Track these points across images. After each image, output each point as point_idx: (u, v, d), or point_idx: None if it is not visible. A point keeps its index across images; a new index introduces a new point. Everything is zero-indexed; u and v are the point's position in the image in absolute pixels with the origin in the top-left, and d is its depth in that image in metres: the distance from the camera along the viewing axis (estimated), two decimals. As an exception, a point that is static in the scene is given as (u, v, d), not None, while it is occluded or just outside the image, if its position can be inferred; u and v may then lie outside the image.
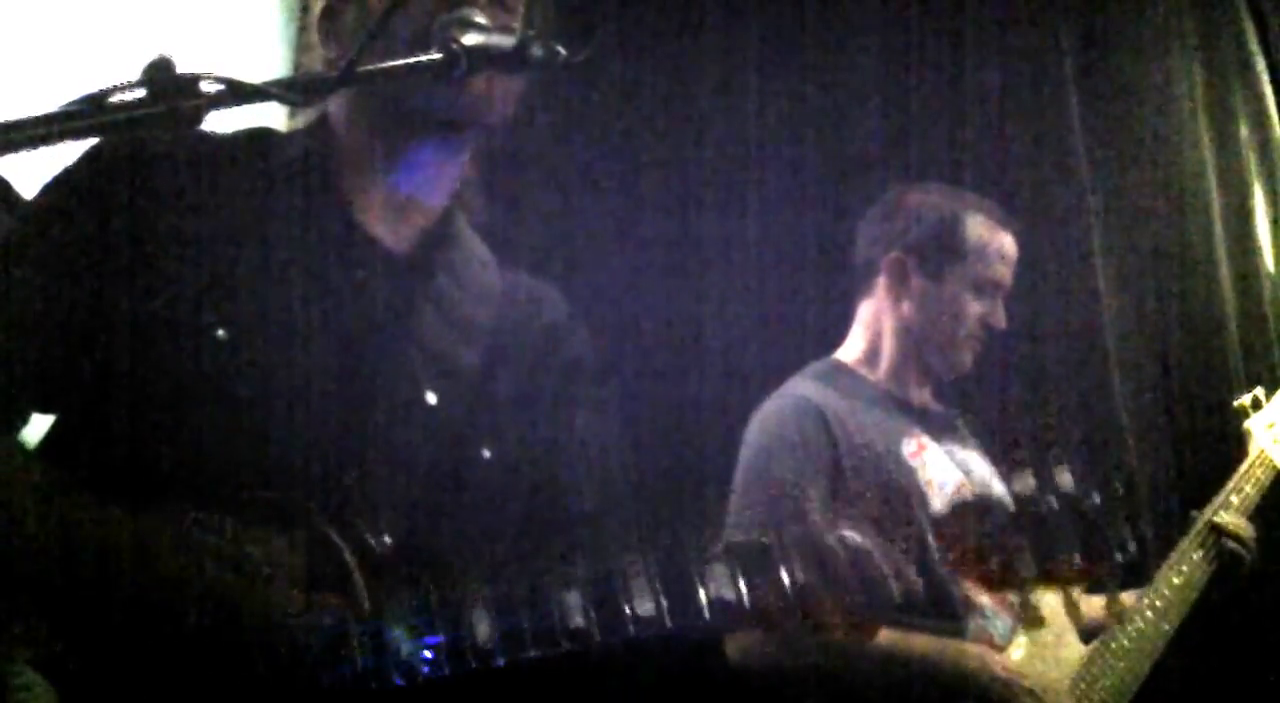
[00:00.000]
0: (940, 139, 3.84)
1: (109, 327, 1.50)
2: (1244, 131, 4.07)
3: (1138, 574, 2.80)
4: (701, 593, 1.44)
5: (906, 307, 2.81)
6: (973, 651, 2.47)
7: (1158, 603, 2.77)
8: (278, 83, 1.26)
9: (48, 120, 1.13)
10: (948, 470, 2.67)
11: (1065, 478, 1.61)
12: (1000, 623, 2.55)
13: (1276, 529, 3.03)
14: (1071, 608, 1.66)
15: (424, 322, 1.64)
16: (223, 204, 1.58)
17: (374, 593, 1.43)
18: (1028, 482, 1.61)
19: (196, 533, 1.40)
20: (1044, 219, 3.79)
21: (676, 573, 1.44)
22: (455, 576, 1.47)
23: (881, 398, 2.76)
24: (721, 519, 2.59)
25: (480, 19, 1.49)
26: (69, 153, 1.53)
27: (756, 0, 3.89)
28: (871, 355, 2.84)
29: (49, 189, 1.58)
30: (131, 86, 1.14)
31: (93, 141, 1.53)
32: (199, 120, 1.17)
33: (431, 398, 1.61)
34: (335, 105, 1.69)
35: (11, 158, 1.12)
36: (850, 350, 2.87)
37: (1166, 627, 2.76)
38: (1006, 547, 1.57)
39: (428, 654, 1.37)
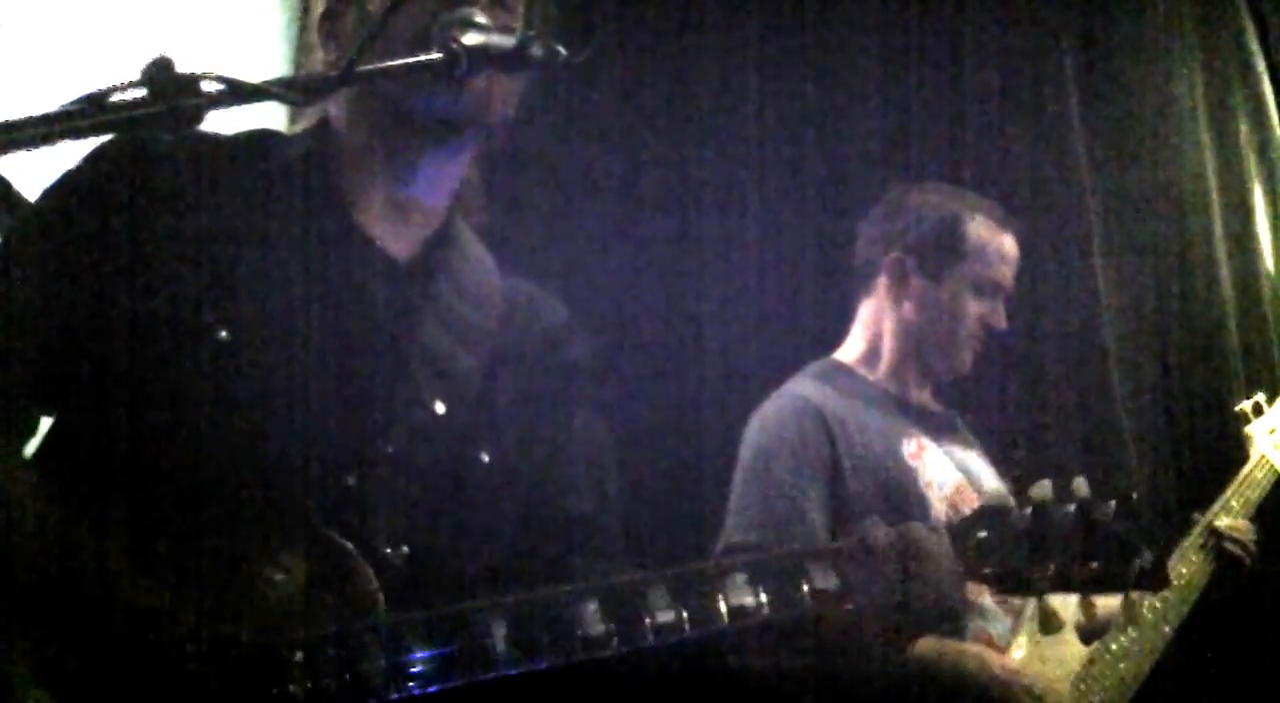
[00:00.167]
0: (940, 139, 3.83)
1: (110, 327, 1.50)
2: (1244, 131, 4.07)
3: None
4: (721, 601, 1.45)
5: (907, 307, 2.81)
6: (972, 651, 2.47)
7: (1158, 605, 2.77)
8: (278, 83, 1.26)
9: (48, 120, 1.13)
10: (947, 471, 2.67)
11: (1080, 485, 1.62)
12: (1000, 624, 2.55)
13: (1276, 532, 3.04)
14: (1089, 612, 1.66)
15: (424, 326, 1.64)
16: (224, 205, 1.58)
17: (390, 603, 1.43)
18: (1044, 489, 1.61)
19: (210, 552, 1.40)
20: (1044, 219, 3.79)
21: (697, 581, 1.45)
22: (466, 583, 1.47)
23: (881, 398, 2.76)
24: (721, 519, 2.59)
25: (480, 19, 1.49)
26: (70, 153, 1.53)
27: (756, 0, 3.89)
28: (871, 355, 2.84)
29: (51, 190, 1.58)
30: (132, 86, 1.14)
31: (94, 142, 1.53)
32: (199, 120, 1.17)
33: (439, 406, 1.61)
34: (336, 106, 1.69)
35: (12, 158, 1.12)
36: (850, 350, 2.87)
37: (1167, 628, 2.76)
38: (1024, 555, 1.57)
39: (444, 664, 1.37)
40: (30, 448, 1.55)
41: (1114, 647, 2.68)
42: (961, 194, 2.98)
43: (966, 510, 2.42)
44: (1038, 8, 4.02)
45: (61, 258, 1.52)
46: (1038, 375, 3.79)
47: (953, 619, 2.49)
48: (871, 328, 2.86)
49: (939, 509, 2.57)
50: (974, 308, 2.79)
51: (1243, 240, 3.97)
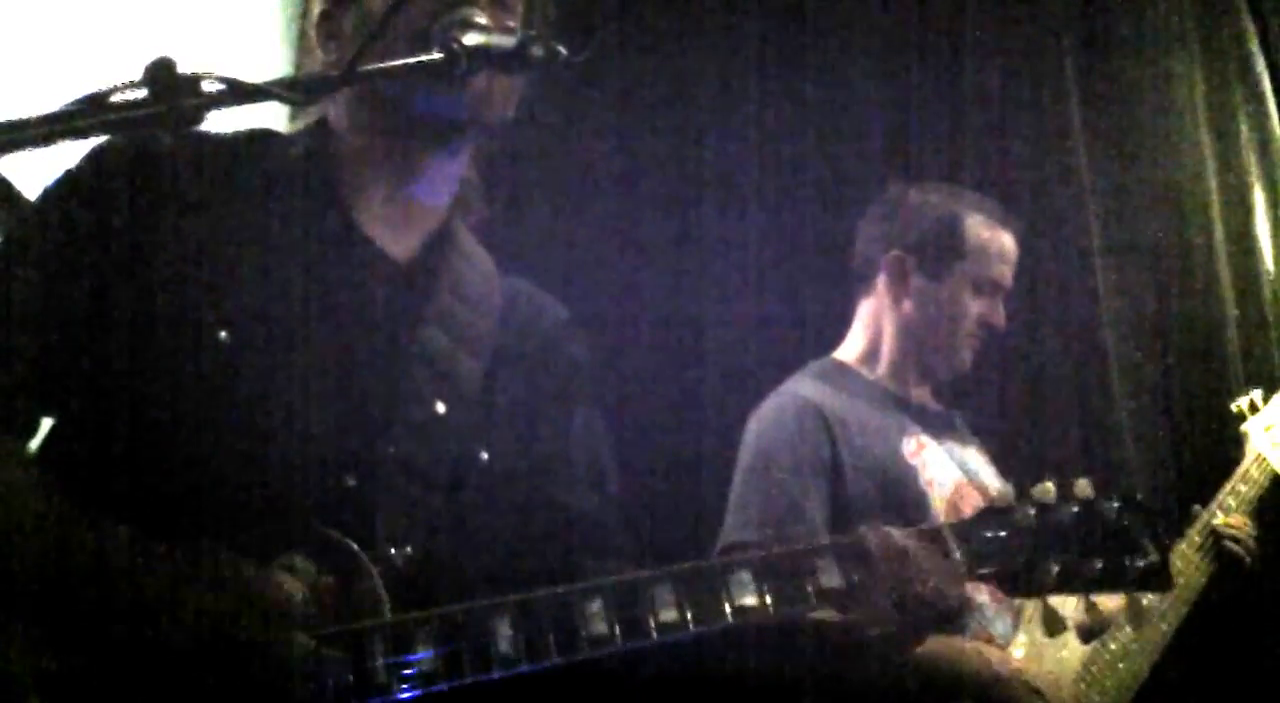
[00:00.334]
0: (940, 139, 3.84)
1: (110, 327, 1.50)
2: (1244, 131, 4.07)
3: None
4: (724, 599, 1.45)
5: (906, 306, 2.81)
6: (972, 649, 2.47)
7: (1158, 605, 2.77)
8: (278, 83, 1.26)
9: (49, 120, 1.13)
10: (947, 470, 2.67)
11: (1083, 485, 1.62)
12: (1000, 623, 2.55)
13: (1275, 531, 3.04)
14: (1092, 611, 1.66)
15: (424, 326, 1.64)
16: (224, 205, 1.58)
17: (393, 602, 1.43)
18: (1047, 489, 1.61)
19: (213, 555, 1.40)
20: (1044, 219, 3.79)
21: (700, 579, 1.45)
22: (467, 582, 1.47)
23: (881, 397, 2.76)
24: (721, 518, 2.59)
25: (481, 19, 1.49)
26: (70, 153, 1.53)
27: (756, 0, 3.89)
28: (871, 354, 2.84)
29: (52, 190, 1.58)
30: (133, 86, 1.14)
31: (94, 142, 1.53)
32: (200, 120, 1.17)
33: (439, 406, 1.61)
34: (335, 106, 1.69)
35: (13, 158, 1.12)
36: (850, 349, 2.87)
37: (1166, 628, 2.76)
38: (1029, 555, 1.57)
39: (449, 664, 1.37)
40: (31, 448, 1.55)
41: (1113, 646, 2.68)
42: (961, 193, 2.98)
43: (967, 509, 2.43)
44: (1038, 8, 4.02)
45: (62, 257, 1.52)
46: (1038, 375, 3.79)
47: (950, 620, 2.49)
48: (871, 327, 2.86)
49: (939, 508, 2.57)
50: (973, 307, 2.79)
51: (1243, 240, 3.97)
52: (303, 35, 1.78)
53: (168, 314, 1.51)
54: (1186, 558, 2.84)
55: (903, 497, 2.56)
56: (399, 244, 1.66)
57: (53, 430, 1.56)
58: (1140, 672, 2.70)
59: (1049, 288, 3.80)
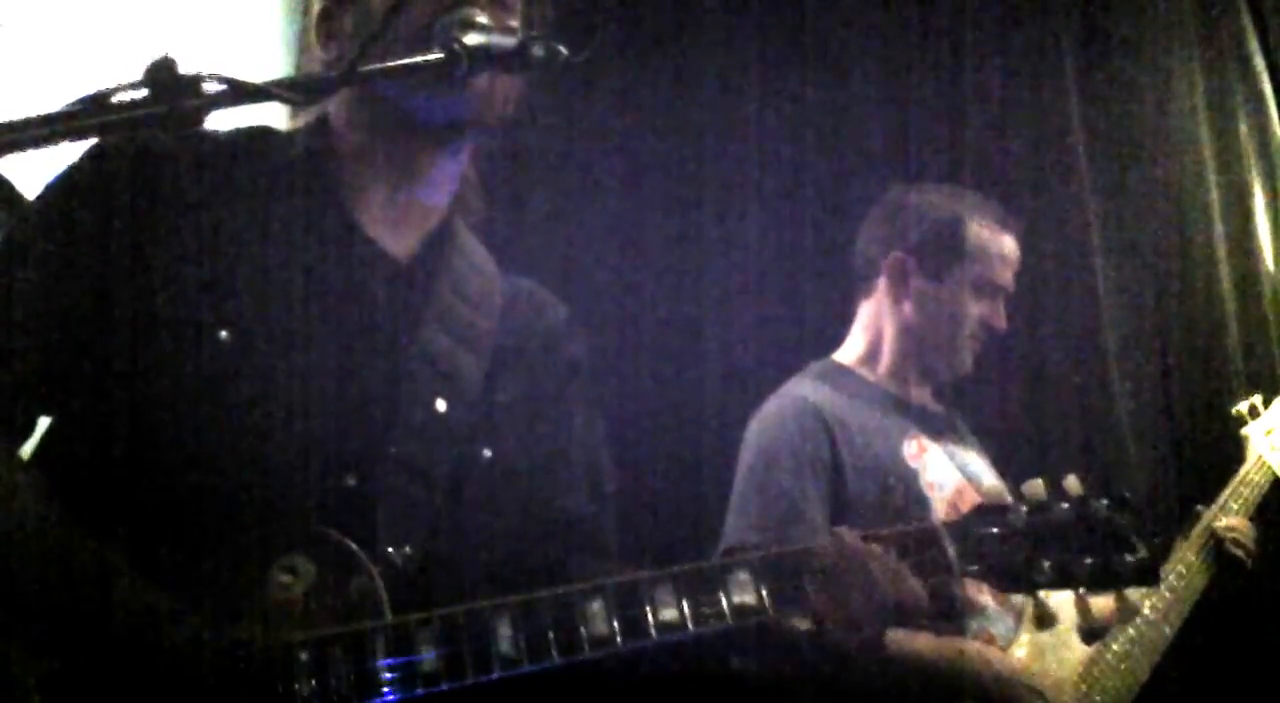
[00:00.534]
0: (940, 139, 3.83)
1: (110, 326, 1.50)
2: (1244, 131, 4.07)
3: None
4: (723, 599, 1.45)
5: (907, 307, 2.81)
6: (973, 650, 2.47)
7: (1159, 606, 2.77)
8: (278, 83, 1.26)
9: (50, 120, 1.13)
10: (948, 472, 2.67)
11: (1073, 483, 1.63)
12: (1003, 624, 2.55)
13: (1275, 533, 3.04)
14: (1082, 607, 1.67)
15: (425, 325, 1.64)
16: (224, 204, 1.58)
17: (393, 603, 1.43)
18: (1038, 488, 1.62)
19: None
20: (1044, 219, 3.79)
21: (699, 579, 1.45)
22: (467, 582, 1.47)
23: (881, 398, 2.76)
24: (721, 519, 2.59)
25: (481, 19, 1.49)
26: (71, 153, 1.53)
27: (756, 0, 3.89)
28: (871, 356, 2.84)
29: (51, 189, 1.57)
30: (133, 86, 1.14)
31: (94, 141, 1.53)
32: (200, 120, 1.17)
33: (435, 395, 1.61)
34: (335, 106, 1.69)
35: (13, 158, 1.12)
36: (850, 351, 2.87)
37: (1167, 629, 2.77)
38: (1023, 552, 1.58)
39: (450, 664, 1.37)
40: (30, 449, 1.55)
41: (1115, 648, 2.68)
42: (961, 194, 2.98)
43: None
44: (1038, 8, 4.02)
45: (62, 258, 1.52)
46: (1038, 375, 3.79)
47: (949, 618, 2.49)
48: (871, 328, 2.86)
49: (940, 510, 2.56)
50: (974, 308, 2.79)
51: (1243, 240, 3.98)
52: (303, 34, 1.78)
53: (168, 314, 1.50)
54: (1187, 560, 2.85)
55: (904, 499, 2.55)
56: (399, 243, 1.66)
57: (53, 431, 1.56)
58: (1141, 673, 2.70)
59: (1049, 288, 3.80)
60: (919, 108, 3.86)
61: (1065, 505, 1.62)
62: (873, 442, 2.62)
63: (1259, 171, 4.03)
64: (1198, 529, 2.90)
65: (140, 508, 1.44)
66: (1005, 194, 3.43)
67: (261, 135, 1.69)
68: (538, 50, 1.45)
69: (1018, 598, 2.49)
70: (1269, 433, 3.11)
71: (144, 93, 1.14)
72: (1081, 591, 1.65)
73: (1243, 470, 3.05)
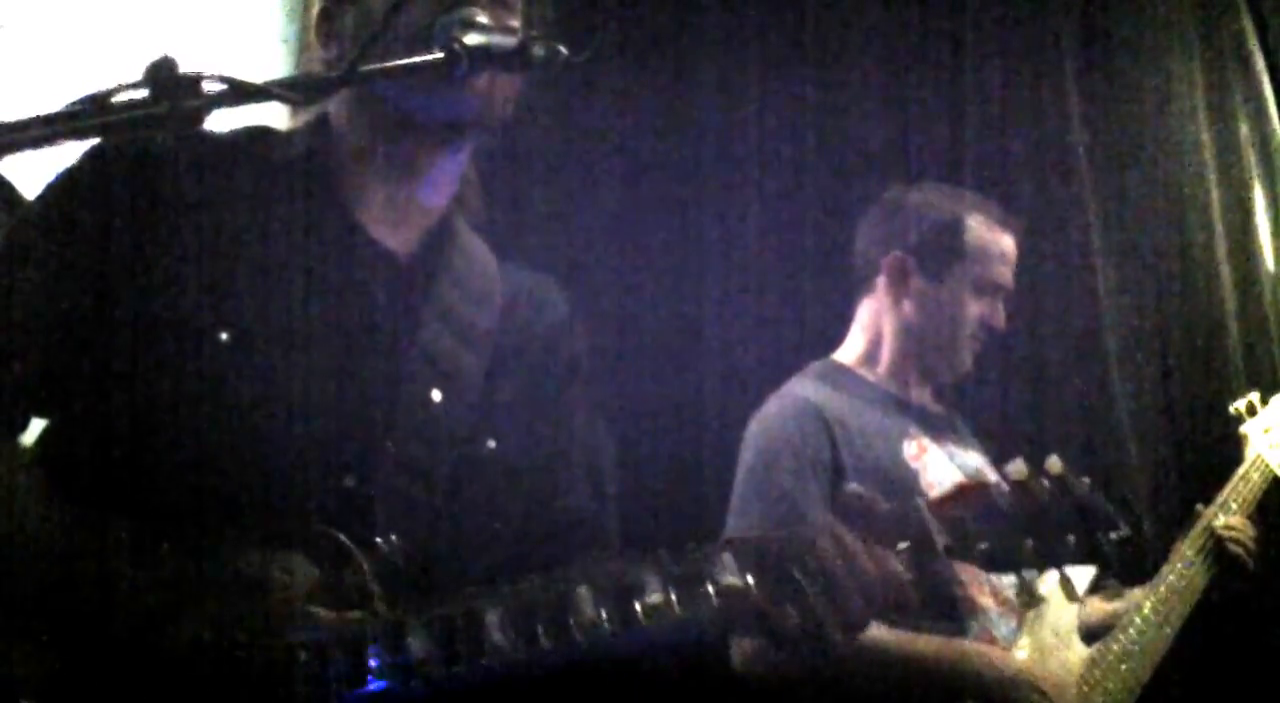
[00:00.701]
0: (940, 139, 3.83)
1: (110, 327, 1.50)
2: (1244, 131, 4.07)
3: (1140, 567, 2.82)
4: (709, 582, 1.45)
5: (907, 307, 2.81)
6: (974, 650, 2.47)
7: (1159, 606, 2.77)
8: (278, 83, 1.26)
9: (50, 120, 1.13)
10: (948, 472, 2.67)
11: (1054, 463, 1.63)
12: (1004, 625, 2.55)
13: (1275, 532, 3.04)
14: (1066, 586, 1.68)
15: (425, 324, 1.64)
16: (223, 204, 1.58)
17: (390, 598, 1.43)
18: (1020, 468, 1.63)
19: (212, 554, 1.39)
20: (1044, 219, 3.79)
21: (685, 563, 1.45)
22: (466, 581, 1.47)
23: (881, 398, 2.76)
24: (721, 520, 2.59)
25: (482, 19, 1.48)
26: (71, 153, 1.53)
27: (756, 0, 3.89)
28: (871, 356, 2.84)
29: (50, 190, 1.57)
30: (133, 86, 1.14)
31: (94, 142, 1.53)
32: (200, 120, 1.17)
33: (436, 395, 1.61)
34: (335, 105, 1.69)
35: (13, 158, 1.12)
36: (850, 351, 2.87)
37: (1168, 630, 2.76)
38: (1004, 530, 1.58)
39: (444, 658, 1.37)
40: (30, 449, 1.55)
41: (1116, 648, 2.68)
42: (961, 194, 2.98)
43: (967, 512, 2.43)
44: (1038, 8, 4.02)
45: (62, 258, 1.52)
46: (1038, 375, 3.79)
47: (949, 618, 2.49)
48: (871, 328, 2.86)
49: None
50: (974, 308, 2.79)
51: (1243, 240, 3.97)
52: (303, 34, 1.77)
53: (168, 314, 1.50)
54: (1187, 560, 2.85)
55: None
56: (399, 242, 1.66)
57: (52, 431, 1.56)
58: (1142, 673, 2.70)
59: (1049, 288, 3.80)
60: (919, 108, 3.86)
61: (1047, 484, 1.62)
62: (873, 442, 2.62)
63: (1259, 172, 4.03)
64: (1197, 529, 2.89)
65: (139, 509, 1.43)
66: (1005, 194, 3.43)
67: (261, 135, 1.69)
68: (538, 50, 1.45)
69: (998, 575, 2.49)
70: (1267, 431, 3.11)
71: (144, 93, 1.14)
72: (1064, 568, 1.66)
73: (1241, 469, 3.04)
